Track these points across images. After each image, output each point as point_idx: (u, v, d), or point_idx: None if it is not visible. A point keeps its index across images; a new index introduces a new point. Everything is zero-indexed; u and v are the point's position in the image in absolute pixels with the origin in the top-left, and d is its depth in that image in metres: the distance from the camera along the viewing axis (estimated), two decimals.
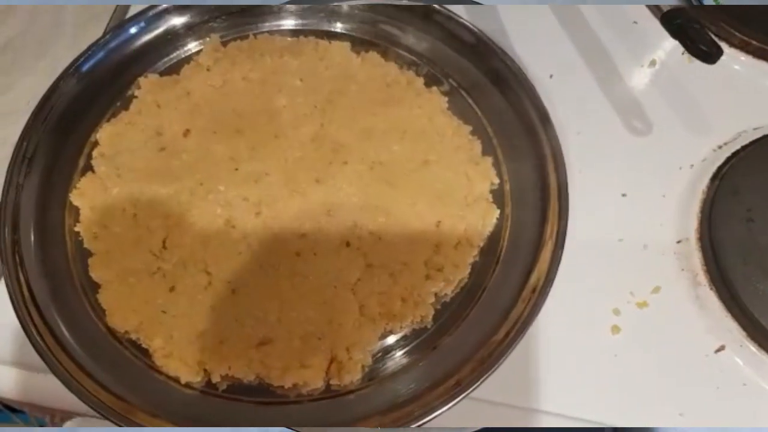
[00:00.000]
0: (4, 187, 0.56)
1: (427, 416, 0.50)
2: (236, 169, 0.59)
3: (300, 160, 0.59)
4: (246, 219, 0.57)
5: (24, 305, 0.52)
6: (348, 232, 0.57)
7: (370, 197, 0.58)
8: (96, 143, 0.61)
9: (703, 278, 0.60)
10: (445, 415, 0.50)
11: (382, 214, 0.57)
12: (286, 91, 0.63)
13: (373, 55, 0.65)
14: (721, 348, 0.58)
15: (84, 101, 0.62)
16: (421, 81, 0.64)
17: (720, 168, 0.64)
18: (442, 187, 0.59)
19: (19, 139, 0.58)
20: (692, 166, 0.65)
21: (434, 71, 0.65)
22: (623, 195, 0.64)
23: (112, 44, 0.64)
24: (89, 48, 0.63)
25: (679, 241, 0.62)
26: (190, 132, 0.61)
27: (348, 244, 0.56)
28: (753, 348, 0.57)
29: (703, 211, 0.62)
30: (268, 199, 0.58)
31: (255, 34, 0.67)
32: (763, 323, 0.56)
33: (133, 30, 0.65)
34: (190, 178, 0.58)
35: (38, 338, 0.51)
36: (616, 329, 0.58)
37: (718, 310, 0.59)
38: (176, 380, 0.53)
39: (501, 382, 0.52)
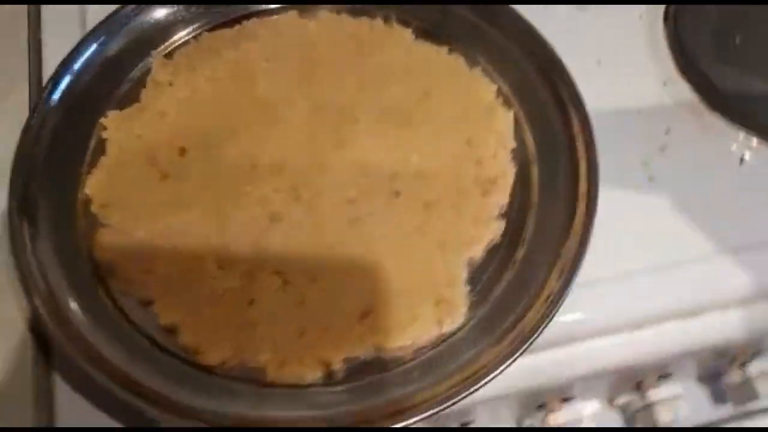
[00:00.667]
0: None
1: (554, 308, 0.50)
2: (254, 167, 0.56)
3: (312, 134, 0.57)
4: (289, 207, 0.55)
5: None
6: (390, 182, 0.56)
7: (394, 143, 0.57)
8: (88, 199, 0.56)
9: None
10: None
11: (413, 153, 0.57)
12: (260, 77, 0.60)
13: (323, 14, 0.64)
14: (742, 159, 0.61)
15: (53, 161, 0.57)
16: (380, 22, 0.63)
17: None
18: (454, 109, 0.59)
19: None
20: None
21: (391, 14, 0.64)
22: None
23: (56, 97, 0.59)
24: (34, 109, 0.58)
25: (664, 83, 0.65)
26: (185, 150, 0.57)
27: (397, 194, 0.56)
28: None
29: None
30: (300, 181, 0.56)
31: (195, 37, 0.63)
32: None
33: (70, 79, 0.60)
34: (211, 193, 0.55)
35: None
36: (651, 177, 0.60)
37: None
38: (297, 386, 0.50)
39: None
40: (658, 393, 0.60)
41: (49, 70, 0.63)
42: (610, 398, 0.64)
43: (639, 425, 0.62)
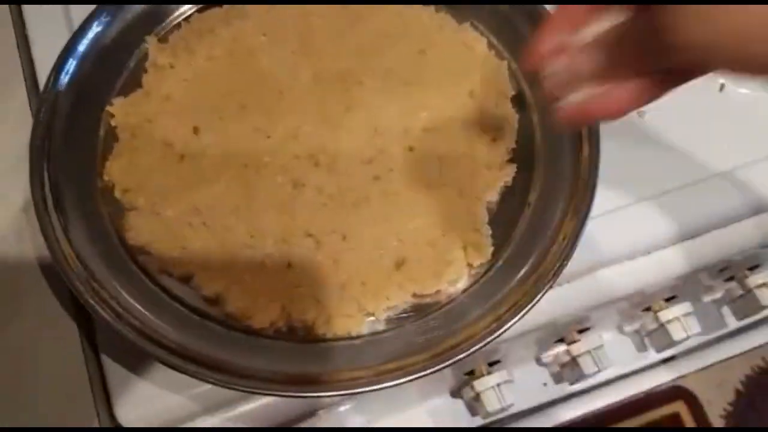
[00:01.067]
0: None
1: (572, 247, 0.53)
2: (268, 137, 0.58)
3: (320, 101, 0.59)
4: (309, 173, 0.56)
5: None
6: (404, 138, 0.58)
7: (401, 102, 0.59)
8: (108, 186, 0.57)
9: None
10: None
11: (421, 109, 0.59)
12: (259, 51, 0.62)
13: None
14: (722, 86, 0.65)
15: (67, 152, 0.57)
16: None
17: None
18: (452, 64, 0.61)
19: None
20: None
21: None
22: None
23: (59, 90, 0.59)
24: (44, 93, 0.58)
25: None
26: (198, 129, 0.58)
27: (411, 149, 0.58)
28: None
29: None
30: (316, 147, 0.57)
31: (186, 19, 0.64)
32: None
33: (71, 70, 0.60)
34: (230, 168, 0.56)
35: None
36: (641, 112, 0.64)
37: None
38: (345, 338, 0.52)
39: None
40: (668, 314, 0.63)
41: (41, 66, 0.63)
42: (623, 325, 0.68)
43: (655, 346, 0.66)
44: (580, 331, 0.64)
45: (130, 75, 0.62)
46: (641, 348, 0.69)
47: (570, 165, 0.57)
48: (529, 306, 0.52)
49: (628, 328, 0.69)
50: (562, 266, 0.53)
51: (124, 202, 0.56)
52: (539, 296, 0.52)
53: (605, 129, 0.57)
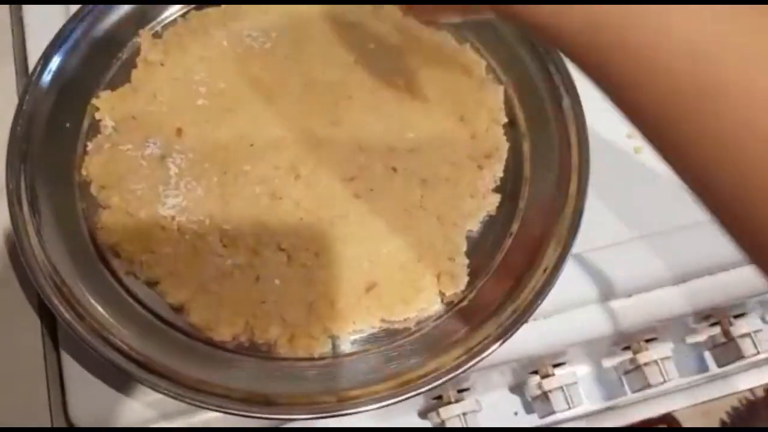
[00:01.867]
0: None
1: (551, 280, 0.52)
2: (251, 145, 0.57)
3: (307, 112, 0.58)
4: (288, 186, 0.55)
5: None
6: (387, 158, 0.57)
7: (389, 120, 0.58)
8: (86, 181, 0.56)
9: None
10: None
11: (408, 130, 0.58)
12: (252, 55, 0.61)
13: None
14: None
15: (48, 143, 0.56)
16: None
17: None
18: (446, 84, 0.60)
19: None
20: None
21: None
22: None
23: (46, 79, 0.58)
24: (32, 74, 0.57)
25: None
26: (182, 130, 0.57)
27: (394, 169, 0.56)
28: None
29: None
30: (298, 159, 0.56)
31: (183, 15, 0.63)
32: None
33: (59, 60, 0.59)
34: (209, 173, 0.55)
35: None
36: (638, 149, 0.62)
37: None
38: (306, 359, 0.51)
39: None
40: (646, 356, 0.62)
41: (33, 51, 0.62)
42: (599, 361, 0.66)
43: (630, 386, 0.65)
44: (556, 365, 0.63)
45: (121, 69, 0.61)
46: (618, 385, 0.67)
47: (557, 199, 0.55)
48: (502, 340, 0.50)
49: (607, 364, 0.67)
50: (538, 302, 0.52)
51: (99, 199, 0.56)
52: (513, 330, 0.51)
53: (599, 164, 0.55)
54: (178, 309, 0.52)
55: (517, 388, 0.67)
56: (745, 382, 0.71)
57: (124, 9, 0.62)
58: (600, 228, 0.57)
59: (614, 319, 0.58)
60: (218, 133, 0.57)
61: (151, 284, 0.53)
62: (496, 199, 0.56)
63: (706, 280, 0.59)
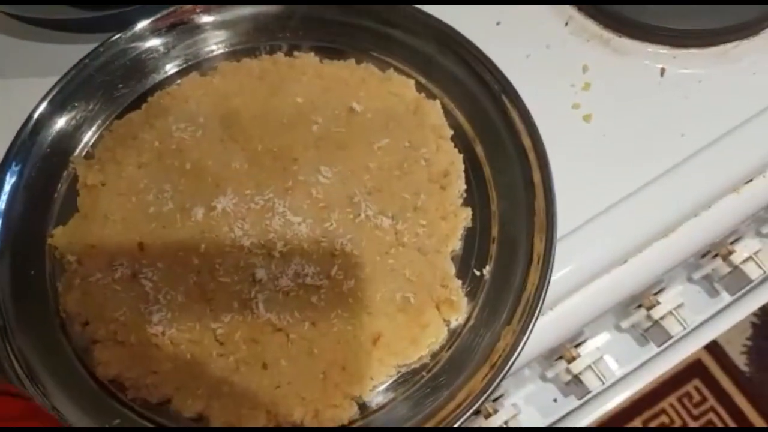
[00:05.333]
0: None
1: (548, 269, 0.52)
2: (216, 236, 0.56)
3: (259, 186, 0.57)
4: (265, 265, 0.55)
5: None
6: (351, 207, 0.56)
7: (340, 169, 0.58)
8: (68, 320, 0.55)
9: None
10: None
11: (363, 172, 0.58)
12: (187, 147, 0.59)
13: (223, 66, 0.64)
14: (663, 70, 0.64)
15: (19, 292, 0.56)
16: (281, 55, 0.64)
17: None
18: (382, 115, 0.59)
19: None
20: None
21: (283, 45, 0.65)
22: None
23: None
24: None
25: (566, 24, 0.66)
26: (143, 244, 0.56)
27: (362, 215, 0.56)
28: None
29: None
30: (266, 236, 0.55)
31: (107, 128, 0.63)
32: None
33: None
34: (185, 278, 0.55)
35: None
36: (587, 117, 0.62)
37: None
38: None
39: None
40: (660, 310, 0.62)
41: None
42: (618, 325, 0.66)
43: (655, 341, 0.65)
44: (577, 345, 0.63)
45: (65, 201, 0.60)
46: (642, 342, 0.67)
47: (526, 190, 0.56)
48: (521, 346, 0.50)
49: (625, 325, 0.67)
50: (542, 296, 0.51)
51: (85, 335, 0.55)
52: (528, 332, 0.51)
53: (553, 143, 0.55)
54: (198, 419, 0.51)
55: (549, 377, 0.66)
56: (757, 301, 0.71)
57: (46, 145, 0.61)
58: (575, 205, 0.56)
59: (618, 288, 0.58)
60: (179, 234, 0.56)
61: (164, 403, 0.52)
62: (467, 212, 0.56)
63: (693, 223, 0.58)
